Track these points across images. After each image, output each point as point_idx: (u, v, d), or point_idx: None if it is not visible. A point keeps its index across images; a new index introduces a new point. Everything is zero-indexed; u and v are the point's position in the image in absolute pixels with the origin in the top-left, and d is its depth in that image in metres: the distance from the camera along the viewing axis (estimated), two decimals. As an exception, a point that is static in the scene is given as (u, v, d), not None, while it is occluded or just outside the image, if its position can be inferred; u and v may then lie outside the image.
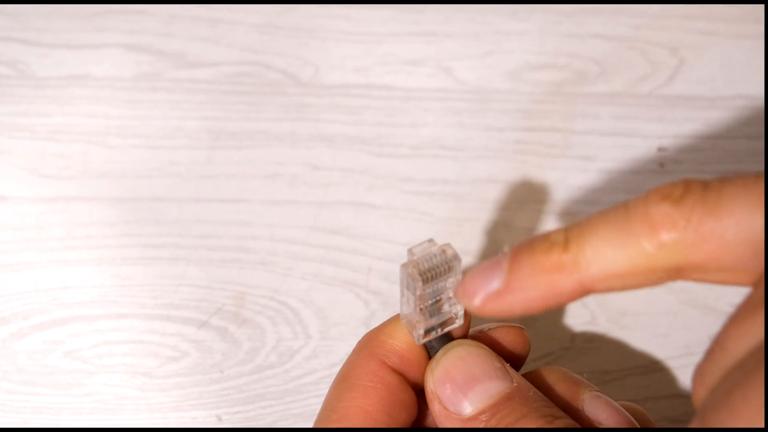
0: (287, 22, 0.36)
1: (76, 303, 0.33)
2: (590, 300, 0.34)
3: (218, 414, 0.33)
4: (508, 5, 0.37)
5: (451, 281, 0.24)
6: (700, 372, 0.19)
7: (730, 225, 0.19)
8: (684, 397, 0.34)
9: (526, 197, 0.35)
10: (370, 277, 0.34)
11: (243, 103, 0.35)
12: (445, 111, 0.36)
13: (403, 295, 0.25)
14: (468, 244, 0.34)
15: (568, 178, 0.35)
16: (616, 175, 0.35)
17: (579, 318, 0.34)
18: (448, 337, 0.25)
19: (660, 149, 0.35)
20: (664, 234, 0.19)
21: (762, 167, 0.35)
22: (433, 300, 0.24)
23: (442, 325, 0.25)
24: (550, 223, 0.34)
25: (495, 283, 0.22)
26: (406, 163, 0.35)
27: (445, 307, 0.25)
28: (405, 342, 0.25)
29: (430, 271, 0.24)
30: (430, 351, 0.25)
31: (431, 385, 0.24)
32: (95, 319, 0.33)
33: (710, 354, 0.18)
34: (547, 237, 0.21)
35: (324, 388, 0.33)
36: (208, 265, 0.34)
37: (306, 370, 0.33)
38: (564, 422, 0.22)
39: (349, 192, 0.34)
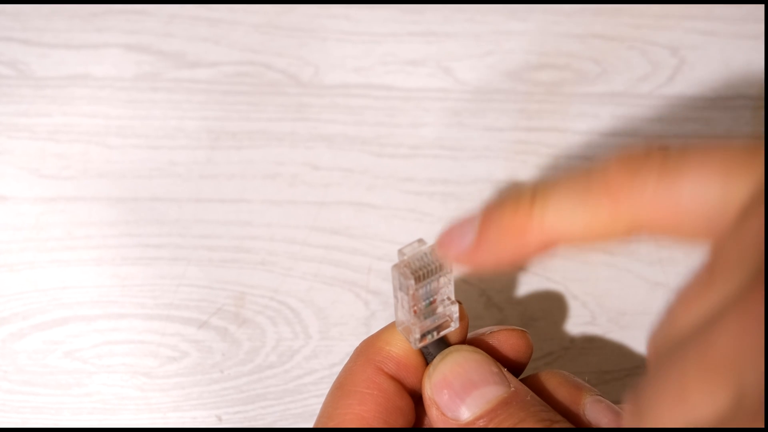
0: (287, 22, 0.36)
1: (76, 303, 0.33)
2: (590, 300, 0.34)
3: (218, 414, 0.33)
4: (508, 5, 0.37)
5: (443, 280, 0.24)
6: (652, 337, 0.19)
7: (684, 192, 0.19)
8: (684, 397, 0.34)
9: (526, 197, 0.35)
10: (370, 277, 0.34)
11: (243, 103, 0.35)
12: (445, 111, 0.36)
13: (396, 298, 0.25)
14: (468, 244, 0.34)
15: (568, 178, 0.35)
16: (616, 175, 0.35)
17: (579, 318, 0.34)
18: (444, 343, 0.25)
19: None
20: (621, 199, 0.20)
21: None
22: (427, 301, 0.24)
23: (438, 328, 0.25)
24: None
25: (467, 240, 0.23)
26: (406, 163, 0.35)
27: (440, 309, 0.25)
28: (402, 348, 0.25)
29: (421, 270, 0.24)
30: (427, 357, 0.25)
31: (428, 391, 0.24)
32: (95, 319, 0.33)
33: (661, 323, 0.19)
34: (515, 197, 0.22)
35: (324, 388, 0.33)
36: (208, 265, 0.34)
37: (306, 370, 0.33)
38: (562, 426, 0.22)
39: (349, 192, 0.34)
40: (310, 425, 0.33)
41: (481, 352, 0.25)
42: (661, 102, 0.36)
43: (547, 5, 0.37)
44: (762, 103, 0.36)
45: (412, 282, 0.24)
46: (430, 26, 0.36)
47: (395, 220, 0.34)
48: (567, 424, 0.23)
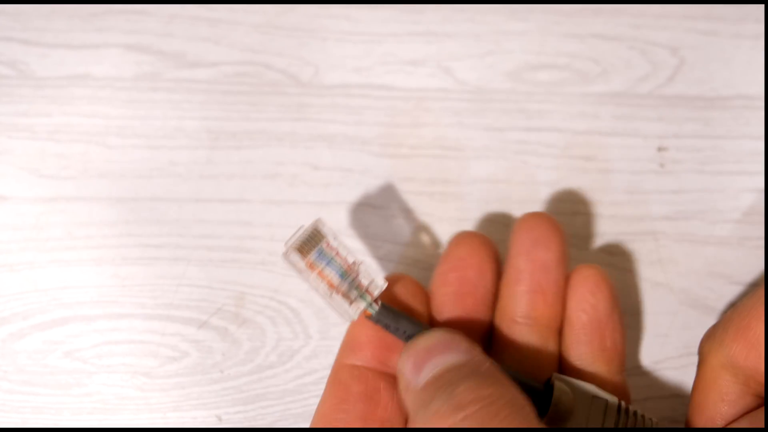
0: (287, 22, 0.36)
1: (76, 303, 0.33)
2: (590, 300, 0.34)
3: (218, 414, 0.33)
4: (508, 5, 0.37)
5: (341, 251, 0.26)
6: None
7: None
8: (684, 397, 0.34)
9: (526, 197, 0.35)
10: (370, 277, 0.34)
11: (243, 103, 0.35)
12: (445, 111, 0.36)
13: (315, 289, 0.26)
14: (468, 244, 0.34)
15: (568, 178, 0.35)
16: (616, 175, 0.35)
17: (579, 318, 0.34)
18: (389, 308, 0.27)
19: (660, 149, 0.35)
20: None
21: (762, 167, 0.35)
22: (338, 274, 0.26)
23: (367, 291, 0.26)
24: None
25: None
26: (406, 163, 0.35)
27: (355, 276, 0.26)
28: (355, 333, 0.28)
29: (302, 243, 0.25)
30: (390, 331, 0.27)
31: (398, 364, 0.26)
32: (95, 319, 0.33)
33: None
34: None
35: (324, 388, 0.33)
36: (208, 265, 0.34)
37: (306, 370, 0.33)
38: (509, 396, 0.23)
39: (349, 192, 0.34)
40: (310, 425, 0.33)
41: (455, 331, 0.26)
42: (661, 102, 0.36)
43: (547, 5, 0.37)
44: (762, 103, 0.36)
45: (297, 254, 0.25)
46: (430, 26, 0.36)
47: (395, 220, 0.34)
48: (516, 401, 0.23)
